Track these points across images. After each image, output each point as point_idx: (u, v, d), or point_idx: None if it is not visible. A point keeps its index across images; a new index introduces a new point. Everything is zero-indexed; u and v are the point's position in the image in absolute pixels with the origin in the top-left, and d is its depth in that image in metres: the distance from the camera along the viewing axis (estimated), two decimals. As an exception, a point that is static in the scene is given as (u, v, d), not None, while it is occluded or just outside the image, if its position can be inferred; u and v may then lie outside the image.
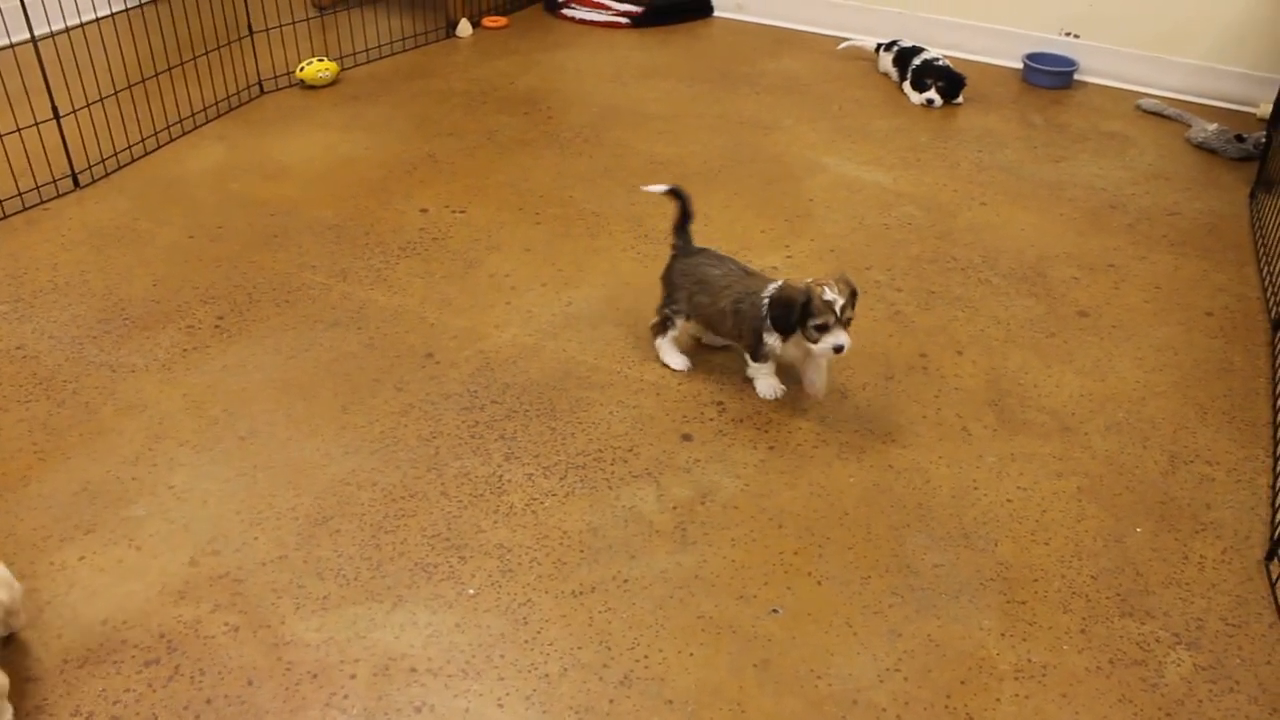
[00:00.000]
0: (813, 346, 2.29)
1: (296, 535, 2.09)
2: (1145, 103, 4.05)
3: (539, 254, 3.01)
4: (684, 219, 2.50)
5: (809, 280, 2.27)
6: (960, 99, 4.03)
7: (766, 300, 2.31)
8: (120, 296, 2.77)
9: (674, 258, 2.52)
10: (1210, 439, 2.42)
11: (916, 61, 4.03)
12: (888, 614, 1.97)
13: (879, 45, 4.28)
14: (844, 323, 2.26)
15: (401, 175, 3.40)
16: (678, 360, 2.56)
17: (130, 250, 2.96)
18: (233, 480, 2.22)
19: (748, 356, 2.44)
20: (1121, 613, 1.99)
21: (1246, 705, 1.83)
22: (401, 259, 2.96)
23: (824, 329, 2.26)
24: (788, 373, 2.51)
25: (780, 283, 2.33)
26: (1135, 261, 3.07)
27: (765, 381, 2.48)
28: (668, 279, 2.51)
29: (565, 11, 4.79)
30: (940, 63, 4.00)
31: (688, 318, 2.52)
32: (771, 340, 2.34)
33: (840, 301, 2.23)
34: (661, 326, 2.54)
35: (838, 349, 2.27)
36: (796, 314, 2.26)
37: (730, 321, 2.41)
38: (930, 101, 3.97)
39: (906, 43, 4.16)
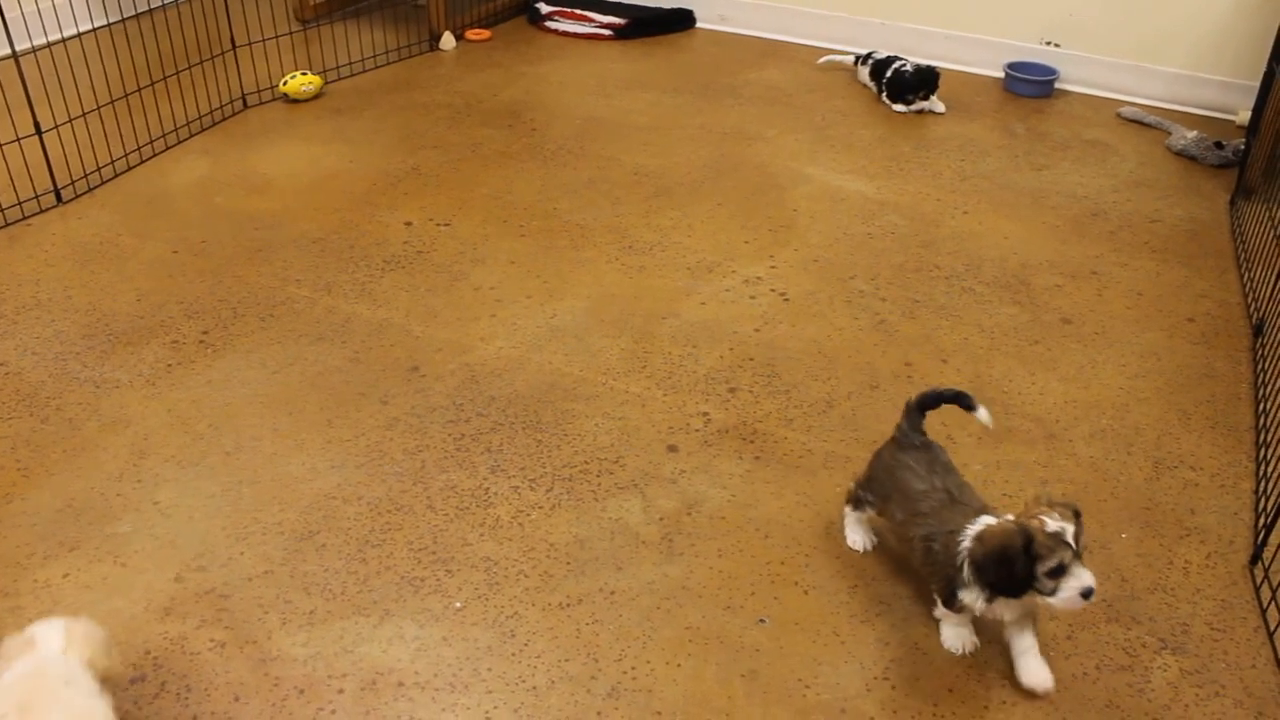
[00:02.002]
0: (1052, 601, 1.71)
1: (283, 550, 2.09)
2: (1126, 111, 4.07)
3: (524, 266, 3.01)
4: (926, 406, 2.02)
5: (1017, 515, 1.77)
6: (940, 101, 4.04)
7: (965, 555, 1.78)
8: (104, 312, 2.76)
9: (890, 441, 2.05)
10: (1193, 444, 2.43)
11: (888, 74, 4.06)
12: (875, 623, 1.97)
13: (856, 58, 4.31)
14: (1079, 554, 1.72)
15: (385, 188, 3.40)
16: (859, 538, 2.11)
17: (113, 265, 2.95)
18: (218, 496, 2.21)
19: (937, 599, 1.91)
20: (1108, 618, 1.99)
21: (1232, 709, 1.83)
22: (386, 272, 2.96)
23: (1060, 571, 1.69)
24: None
25: (981, 529, 1.78)
26: (1117, 268, 3.09)
27: (954, 630, 1.92)
28: (873, 464, 2.06)
29: (548, 24, 4.80)
30: (908, 70, 4.02)
31: (879, 513, 2.06)
32: (970, 598, 1.80)
33: (1070, 529, 1.70)
34: (855, 500, 2.09)
35: (1086, 593, 1.70)
36: (1023, 565, 1.70)
37: (919, 557, 1.91)
38: (921, 110, 4.02)
39: (882, 54, 4.18)
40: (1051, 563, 1.68)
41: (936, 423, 2.44)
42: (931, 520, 1.87)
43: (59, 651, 1.58)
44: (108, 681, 1.63)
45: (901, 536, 1.98)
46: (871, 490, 2.04)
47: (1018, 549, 1.69)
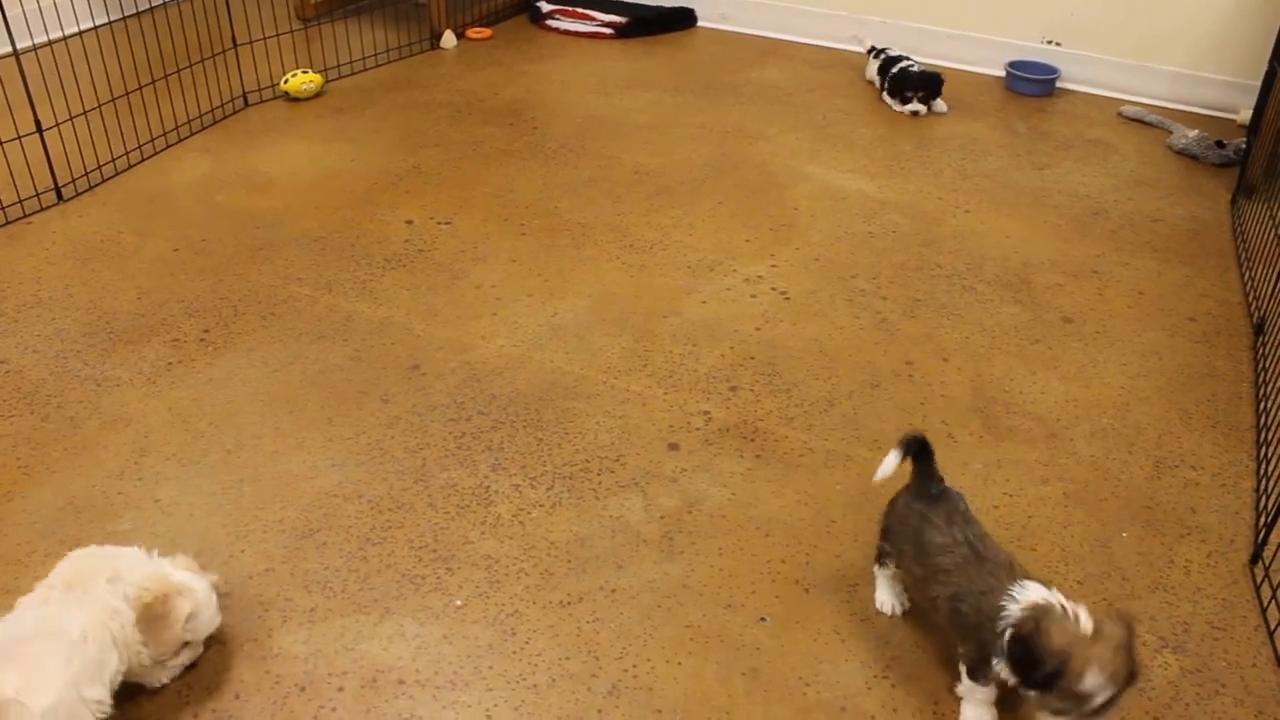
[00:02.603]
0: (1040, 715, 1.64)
1: (283, 548, 2.09)
2: (1127, 110, 4.07)
3: (525, 265, 3.01)
4: (924, 452, 1.87)
5: (1074, 632, 1.57)
6: (942, 101, 4.04)
7: (1009, 630, 1.62)
8: (105, 310, 2.76)
9: (902, 491, 1.91)
10: (1194, 443, 2.43)
11: (894, 71, 4.05)
12: (875, 621, 1.97)
13: (872, 49, 4.29)
14: (1099, 712, 1.57)
15: (386, 187, 3.39)
16: (888, 599, 1.98)
17: (114, 263, 2.95)
18: (219, 494, 2.21)
19: (962, 669, 1.75)
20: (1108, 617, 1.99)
21: (1233, 708, 1.83)
22: (387, 271, 2.96)
23: (1060, 715, 1.60)
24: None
25: (1031, 607, 1.62)
26: (1119, 268, 3.09)
27: (977, 710, 1.76)
28: (887, 515, 1.93)
29: (549, 23, 4.80)
30: (914, 69, 4.02)
31: (898, 565, 1.94)
32: (1006, 671, 1.66)
33: (1098, 698, 1.55)
34: (880, 557, 1.97)
35: None
36: (1040, 679, 1.58)
37: (944, 618, 1.77)
38: (915, 112, 4.00)
39: (894, 51, 4.17)
40: (1058, 705, 1.57)
41: (937, 420, 2.45)
42: (956, 577, 1.74)
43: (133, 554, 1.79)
44: (161, 615, 1.74)
45: (922, 594, 1.85)
46: (889, 541, 1.92)
47: (1046, 669, 1.56)
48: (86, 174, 3.33)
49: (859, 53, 4.39)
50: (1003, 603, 1.64)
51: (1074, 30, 4.27)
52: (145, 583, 1.73)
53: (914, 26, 4.52)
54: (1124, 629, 1.58)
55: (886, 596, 1.99)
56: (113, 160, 3.42)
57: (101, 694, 1.61)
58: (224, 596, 1.97)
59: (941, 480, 1.87)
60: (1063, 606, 1.60)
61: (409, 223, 3.20)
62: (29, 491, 2.20)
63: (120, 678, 1.67)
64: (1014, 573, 1.70)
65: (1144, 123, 4.01)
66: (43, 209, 3.19)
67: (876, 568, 2.00)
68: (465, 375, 2.57)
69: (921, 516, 1.83)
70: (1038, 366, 2.66)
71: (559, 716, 1.78)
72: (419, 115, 3.89)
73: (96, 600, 1.67)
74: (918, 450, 1.86)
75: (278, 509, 2.18)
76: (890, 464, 1.84)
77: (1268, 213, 3.16)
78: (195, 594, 1.77)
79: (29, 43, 3.68)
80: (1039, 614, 1.60)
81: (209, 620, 1.81)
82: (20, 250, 2.99)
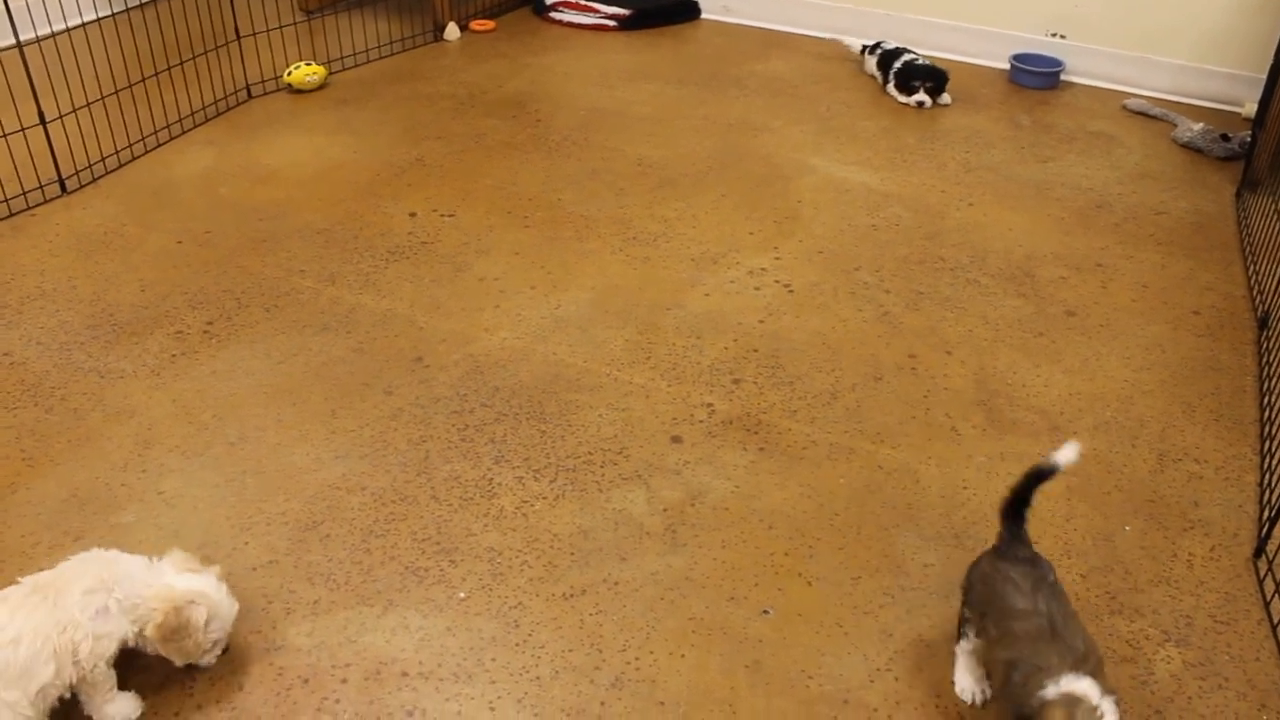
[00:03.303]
0: None
1: (287, 540, 2.09)
2: (1131, 103, 4.06)
3: (528, 257, 3.01)
4: (1021, 504, 1.80)
5: None
6: (946, 95, 4.04)
7: (1038, 705, 1.57)
8: (108, 302, 2.76)
9: (990, 550, 1.82)
10: (1198, 437, 2.43)
11: (898, 64, 4.04)
12: (879, 614, 1.97)
13: (864, 47, 4.30)
14: None
15: (390, 179, 3.39)
16: (967, 683, 1.84)
17: (118, 256, 2.95)
18: (222, 486, 2.21)
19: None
20: (1111, 611, 1.99)
21: (1235, 701, 1.84)
22: (390, 263, 2.96)
23: None
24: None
25: (1065, 695, 1.56)
26: (1122, 261, 3.08)
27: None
28: (969, 576, 1.82)
29: (553, 15, 4.79)
30: (921, 62, 4.02)
31: (976, 634, 1.79)
32: None
33: None
34: (962, 627, 1.84)
35: None
36: None
37: (999, 681, 1.69)
38: (921, 103, 3.99)
39: (890, 44, 4.18)
40: None
41: (940, 413, 2.45)
42: (1023, 646, 1.65)
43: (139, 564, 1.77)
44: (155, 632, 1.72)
45: (991, 657, 1.74)
46: (969, 605, 1.81)
47: None
48: (90, 166, 3.33)
49: (854, 53, 4.38)
50: (1047, 683, 1.58)
51: (1078, 23, 4.26)
52: (152, 602, 1.70)
53: (917, 19, 4.51)
54: None
55: (967, 680, 1.84)
56: (116, 152, 3.42)
57: (20, 699, 1.60)
58: (228, 588, 1.97)
59: (1029, 544, 1.80)
60: (1094, 707, 1.54)
61: (412, 215, 3.20)
62: (33, 483, 2.20)
63: (57, 691, 1.65)
64: (1082, 664, 1.61)
65: (1148, 116, 4.00)
66: (46, 201, 3.19)
67: (957, 643, 1.85)
68: (468, 367, 2.57)
69: (1006, 578, 1.74)
70: (1041, 359, 2.66)
71: (562, 708, 1.79)
72: (422, 107, 3.88)
73: (57, 609, 1.65)
74: (1014, 509, 1.80)
75: (281, 501, 2.18)
76: (1068, 454, 1.78)
77: (1273, 206, 3.16)
78: (207, 596, 1.75)
79: (32, 34, 3.68)
80: (1063, 703, 1.54)
81: (228, 614, 1.79)
82: (24, 242, 3.00)
